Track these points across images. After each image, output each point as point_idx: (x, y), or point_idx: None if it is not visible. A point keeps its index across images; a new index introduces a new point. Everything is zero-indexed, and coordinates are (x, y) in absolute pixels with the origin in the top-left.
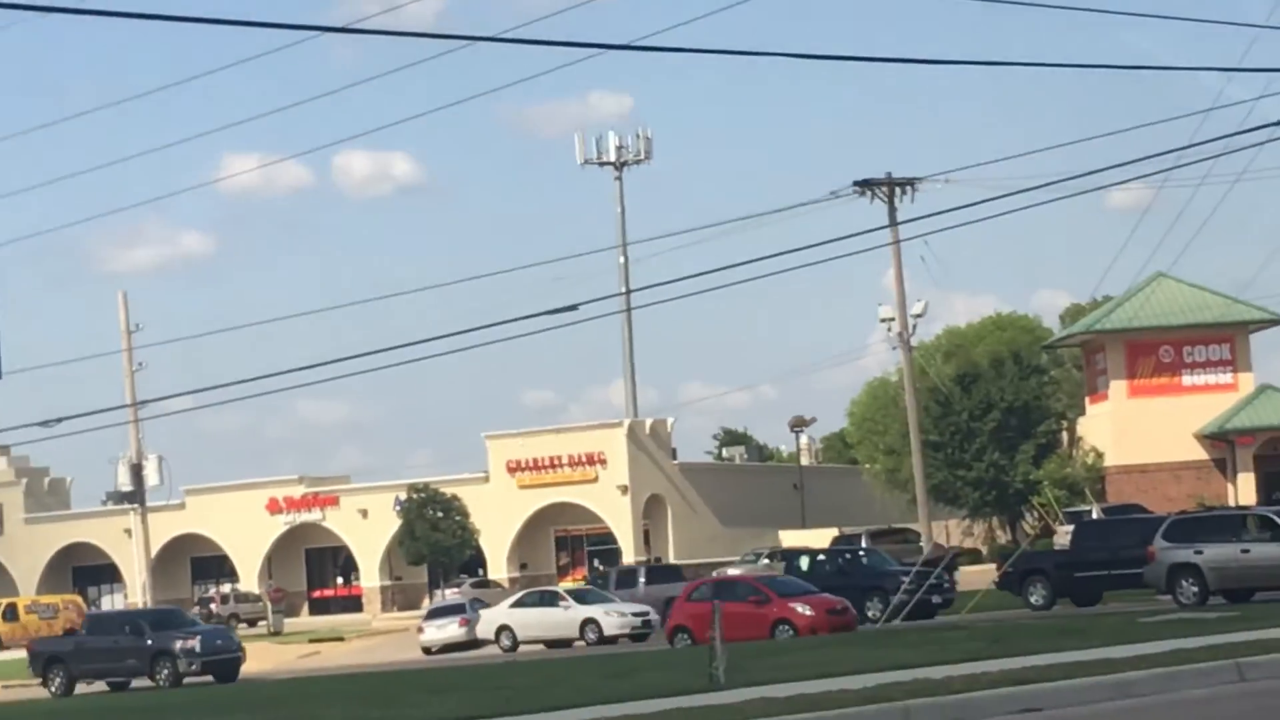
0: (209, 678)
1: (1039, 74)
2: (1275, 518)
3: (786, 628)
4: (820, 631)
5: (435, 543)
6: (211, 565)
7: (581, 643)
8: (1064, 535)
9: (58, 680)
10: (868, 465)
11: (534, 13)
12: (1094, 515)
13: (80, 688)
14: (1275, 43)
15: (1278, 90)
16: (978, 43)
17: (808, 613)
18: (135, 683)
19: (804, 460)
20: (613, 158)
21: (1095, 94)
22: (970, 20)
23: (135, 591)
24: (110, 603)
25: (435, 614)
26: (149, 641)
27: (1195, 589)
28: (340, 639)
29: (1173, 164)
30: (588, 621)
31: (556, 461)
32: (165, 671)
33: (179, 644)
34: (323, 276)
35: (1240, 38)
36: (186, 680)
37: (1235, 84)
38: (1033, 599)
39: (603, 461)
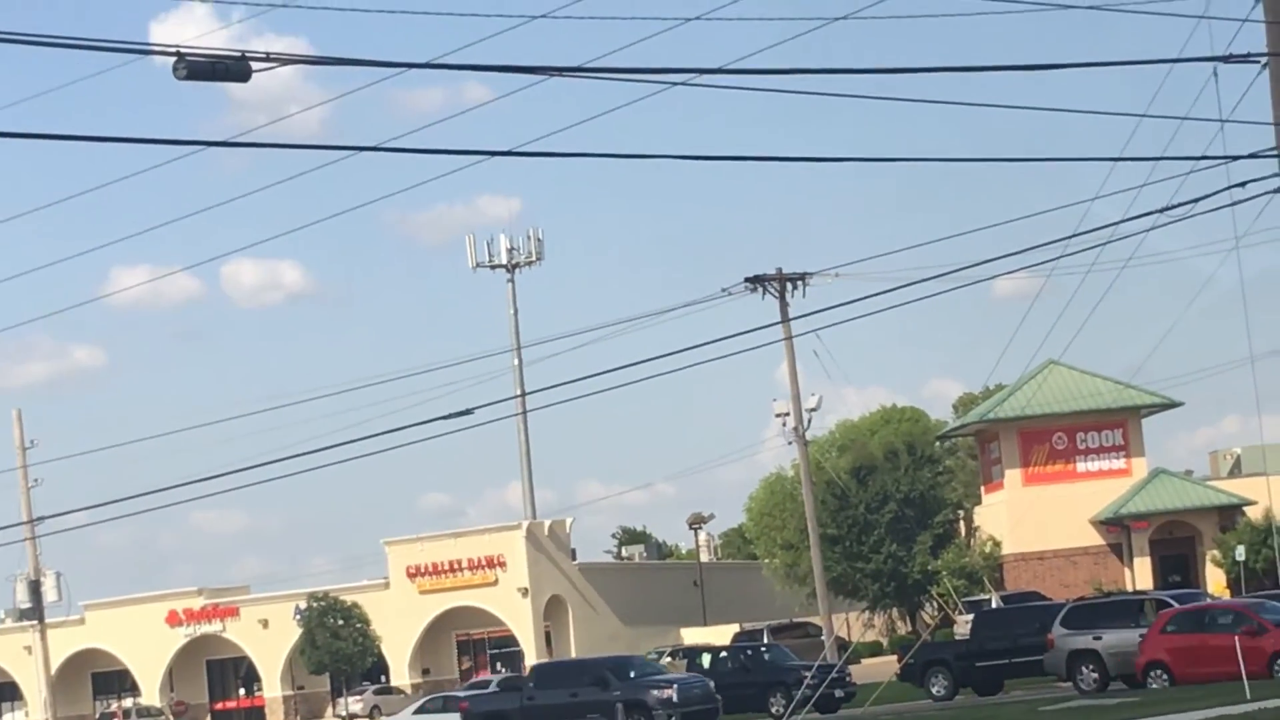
0: None
1: (922, 166)
2: (1172, 602)
3: None
4: None
5: (337, 651)
6: (113, 680)
7: None
8: (964, 625)
9: None
10: (767, 560)
11: (418, 120)
12: (993, 604)
13: None
14: (1156, 129)
15: (1161, 178)
16: (862, 136)
17: None
18: None
19: (703, 557)
20: (504, 260)
21: (979, 185)
22: (853, 115)
23: (36, 709)
24: None
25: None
26: (616, 692)
27: (1095, 675)
28: None
29: (1059, 253)
30: None
31: (456, 565)
32: None
33: (654, 694)
34: (216, 386)
35: (1123, 126)
36: None
37: (1119, 172)
38: (934, 690)
39: (502, 564)
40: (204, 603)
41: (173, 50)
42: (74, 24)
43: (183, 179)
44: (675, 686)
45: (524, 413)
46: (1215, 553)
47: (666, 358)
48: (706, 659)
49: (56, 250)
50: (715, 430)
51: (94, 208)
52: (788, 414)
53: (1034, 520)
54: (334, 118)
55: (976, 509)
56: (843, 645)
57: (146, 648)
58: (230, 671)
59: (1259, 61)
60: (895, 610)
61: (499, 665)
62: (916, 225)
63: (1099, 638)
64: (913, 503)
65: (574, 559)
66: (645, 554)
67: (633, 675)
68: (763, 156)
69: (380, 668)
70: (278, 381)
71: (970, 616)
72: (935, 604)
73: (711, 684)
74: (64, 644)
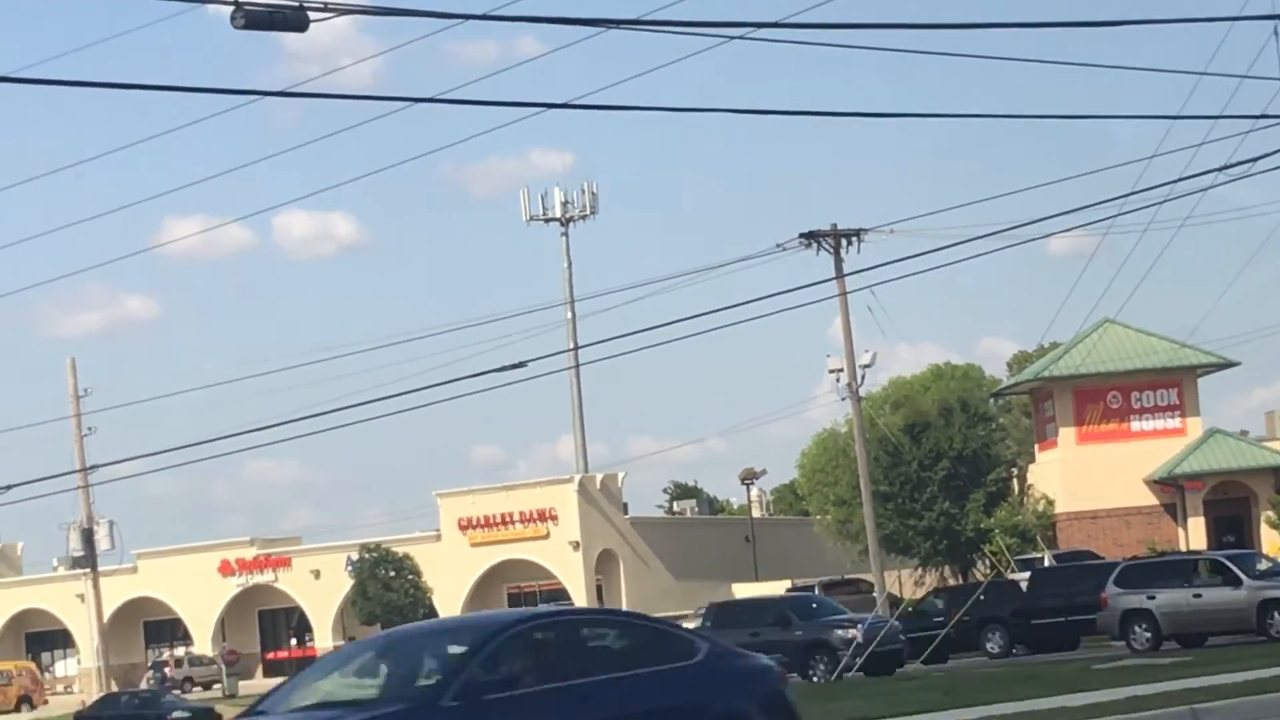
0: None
1: (981, 123)
2: (1226, 562)
3: None
4: None
5: (388, 602)
6: (165, 629)
7: None
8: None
9: None
10: (819, 516)
11: (470, 73)
12: (1045, 562)
13: None
14: (1216, 88)
15: (1219, 136)
16: (917, 92)
17: None
18: None
19: (755, 512)
20: (558, 214)
21: (1038, 141)
22: (910, 69)
23: (89, 656)
24: (64, 668)
25: None
26: (799, 632)
27: (1149, 634)
28: None
29: (1116, 211)
30: None
31: (508, 518)
32: (821, 667)
33: (838, 633)
34: (268, 337)
35: (1183, 84)
36: (847, 676)
37: (1178, 129)
38: (989, 646)
39: (554, 518)
40: (256, 553)
41: None
42: None
43: (236, 130)
44: (860, 626)
45: (576, 366)
46: (1270, 513)
47: (720, 312)
48: None
49: (110, 199)
50: (768, 386)
51: (148, 157)
52: (841, 370)
53: (1088, 479)
54: (386, 70)
55: (1030, 467)
56: (895, 602)
57: (199, 597)
58: (282, 622)
59: None
60: (947, 568)
61: None
62: (973, 182)
63: (1152, 597)
64: (966, 460)
65: (625, 513)
66: (697, 509)
67: (816, 614)
68: (818, 111)
69: (432, 619)
70: (330, 333)
71: (1025, 575)
72: (988, 562)
73: (899, 625)
74: (116, 592)
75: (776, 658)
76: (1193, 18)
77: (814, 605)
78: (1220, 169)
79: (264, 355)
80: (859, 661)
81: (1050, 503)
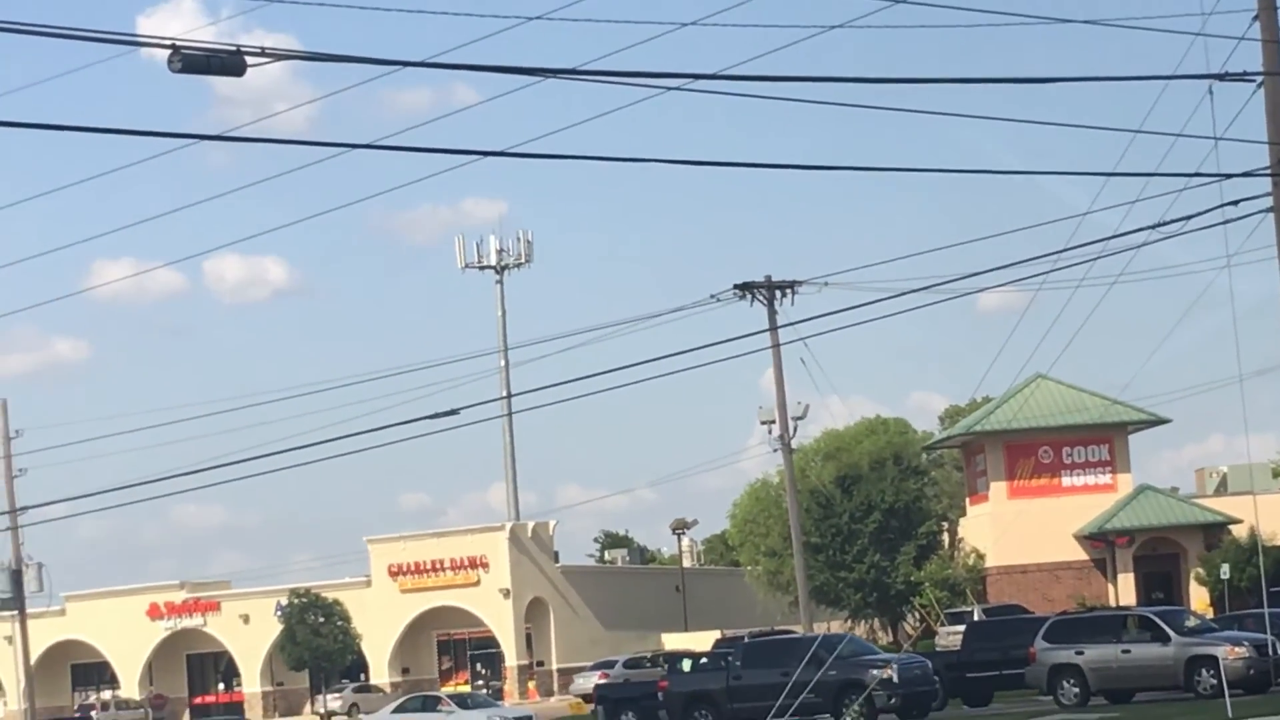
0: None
1: (917, 177)
2: (1155, 618)
3: None
4: None
5: (317, 648)
6: (92, 672)
7: None
8: (946, 636)
9: None
10: (749, 567)
11: (404, 121)
12: (975, 616)
13: None
14: (1150, 146)
15: (1152, 194)
16: (856, 145)
17: None
18: None
19: (686, 562)
20: (493, 261)
21: (974, 196)
22: (848, 122)
23: (15, 699)
24: None
25: None
26: (832, 672)
27: (1076, 690)
28: None
29: (1049, 267)
30: None
31: (438, 565)
32: (855, 708)
33: (872, 673)
34: (199, 381)
35: (1118, 142)
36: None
37: (1112, 186)
38: None
39: (484, 565)
40: (185, 596)
41: (168, 43)
42: (59, 15)
43: (168, 174)
44: (895, 666)
45: (509, 414)
46: (1200, 570)
47: (653, 362)
48: (687, 664)
49: (41, 242)
50: (700, 436)
51: (79, 200)
52: (773, 421)
53: (1018, 533)
54: (321, 116)
55: (961, 521)
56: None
57: (127, 640)
58: (210, 666)
59: (1254, 80)
60: (877, 620)
61: (479, 666)
62: (908, 236)
63: (1081, 652)
64: (897, 513)
65: (556, 561)
66: (628, 558)
67: (848, 654)
68: (753, 163)
69: (360, 666)
70: (261, 378)
71: (954, 628)
72: (917, 615)
73: (931, 665)
74: (44, 635)
75: (809, 697)
76: (1129, 76)
77: (847, 643)
78: (1153, 226)
79: (195, 399)
80: (894, 702)
81: (980, 556)
